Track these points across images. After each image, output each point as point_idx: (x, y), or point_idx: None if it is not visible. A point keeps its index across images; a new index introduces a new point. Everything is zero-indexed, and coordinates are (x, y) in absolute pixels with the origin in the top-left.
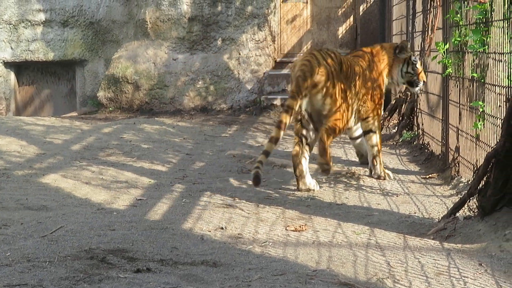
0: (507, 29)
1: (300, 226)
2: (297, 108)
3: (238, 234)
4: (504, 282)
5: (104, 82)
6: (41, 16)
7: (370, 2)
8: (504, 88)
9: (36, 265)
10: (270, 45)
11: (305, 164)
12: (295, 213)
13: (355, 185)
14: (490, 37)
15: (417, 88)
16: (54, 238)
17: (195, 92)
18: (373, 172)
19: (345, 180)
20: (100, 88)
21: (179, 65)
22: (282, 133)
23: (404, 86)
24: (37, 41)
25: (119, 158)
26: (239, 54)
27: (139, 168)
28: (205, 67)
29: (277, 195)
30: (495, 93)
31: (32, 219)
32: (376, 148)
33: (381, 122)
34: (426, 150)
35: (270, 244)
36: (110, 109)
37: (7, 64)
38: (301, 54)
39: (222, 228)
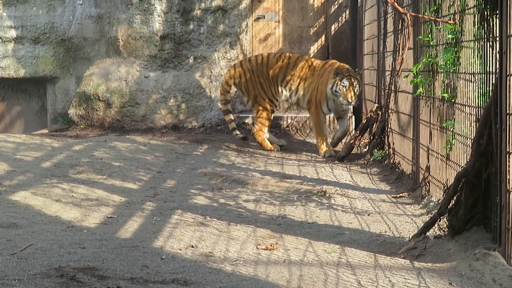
0: (477, 50)
1: (271, 245)
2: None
3: (209, 252)
4: None
5: (75, 99)
6: (12, 33)
7: (341, 21)
8: (474, 108)
9: (5, 283)
10: None
11: None
12: (266, 232)
13: (326, 204)
14: (460, 57)
15: (343, 106)
16: (24, 256)
17: (166, 110)
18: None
19: (316, 198)
20: (71, 105)
21: (150, 83)
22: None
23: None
24: (8, 57)
25: (90, 176)
26: (211, 72)
27: (110, 186)
28: (177, 85)
29: (248, 213)
30: (466, 113)
31: (2, 237)
32: None
33: (353, 141)
34: (397, 169)
35: (241, 262)
36: (81, 126)
37: None
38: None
39: (193, 247)
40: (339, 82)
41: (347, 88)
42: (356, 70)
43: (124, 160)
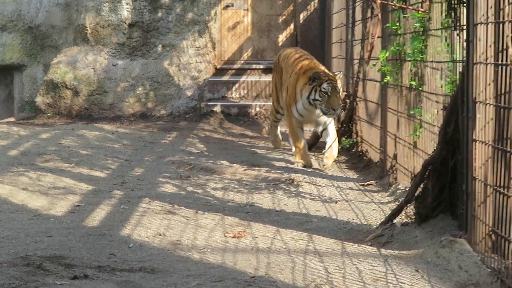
0: (445, 38)
1: (239, 233)
2: None
3: (177, 240)
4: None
5: (43, 87)
6: None
7: (310, 10)
8: (442, 96)
9: None
10: (211, 51)
11: None
12: (234, 220)
13: (294, 192)
14: (428, 46)
15: (329, 115)
16: None
17: (134, 98)
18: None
19: (284, 186)
20: (38, 94)
21: (119, 71)
22: None
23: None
24: None
25: (57, 164)
26: (179, 60)
27: (77, 174)
28: (145, 73)
29: (216, 201)
30: (433, 101)
31: None
32: None
33: None
34: (365, 157)
35: (209, 250)
36: (49, 114)
37: None
38: (242, 61)
39: (160, 235)
40: (318, 88)
41: (329, 93)
42: (336, 73)
43: (92, 149)
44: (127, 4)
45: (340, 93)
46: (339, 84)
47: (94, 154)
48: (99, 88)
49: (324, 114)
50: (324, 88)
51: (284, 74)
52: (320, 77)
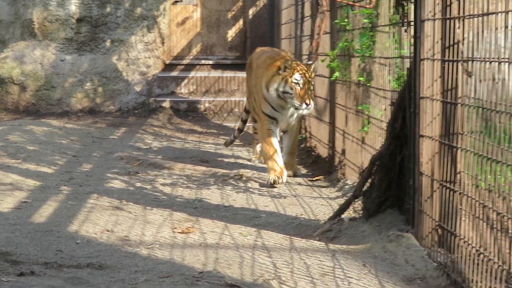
0: (393, 34)
1: (187, 228)
2: None
3: (125, 236)
4: (387, 282)
5: None
6: None
7: (259, 6)
8: (389, 92)
9: None
10: (160, 47)
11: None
12: (182, 215)
13: (243, 187)
14: (376, 42)
15: (301, 110)
16: None
17: (83, 94)
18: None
19: (233, 182)
20: None
21: (66, 66)
22: None
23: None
24: None
25: (4, 160)
26: (128, 55)
27: (24, 170)
28: (93, 68)
29: (164, 197)
30: (381, 96)
31: None
32: None
33: None
34: (313, 153)
35: (157, 246)
36: None
37: None
38: (191, 57)
39: (108, 231)
40: (288, 79)
41: (301, 85)
42: (309, 63)
43: (39, 144)
44: None
45: (314, 85)
46: (313, 75)
47: (41, 150)
48: (47, 84)
49: (296, 109)
50: (296, 79)
51: (253, 74)
52: (291, 66)
